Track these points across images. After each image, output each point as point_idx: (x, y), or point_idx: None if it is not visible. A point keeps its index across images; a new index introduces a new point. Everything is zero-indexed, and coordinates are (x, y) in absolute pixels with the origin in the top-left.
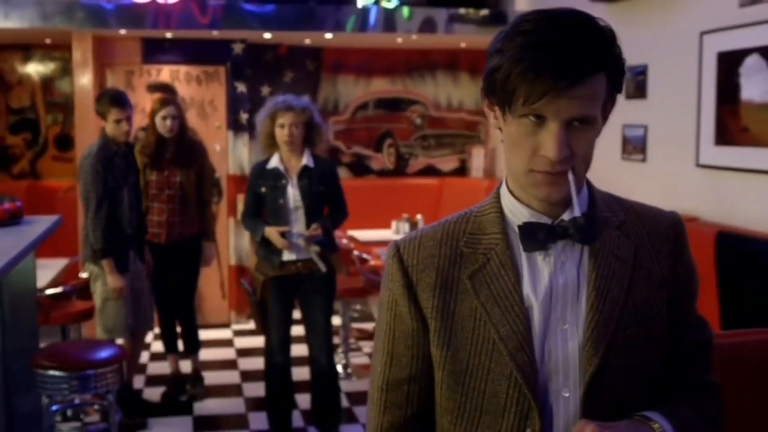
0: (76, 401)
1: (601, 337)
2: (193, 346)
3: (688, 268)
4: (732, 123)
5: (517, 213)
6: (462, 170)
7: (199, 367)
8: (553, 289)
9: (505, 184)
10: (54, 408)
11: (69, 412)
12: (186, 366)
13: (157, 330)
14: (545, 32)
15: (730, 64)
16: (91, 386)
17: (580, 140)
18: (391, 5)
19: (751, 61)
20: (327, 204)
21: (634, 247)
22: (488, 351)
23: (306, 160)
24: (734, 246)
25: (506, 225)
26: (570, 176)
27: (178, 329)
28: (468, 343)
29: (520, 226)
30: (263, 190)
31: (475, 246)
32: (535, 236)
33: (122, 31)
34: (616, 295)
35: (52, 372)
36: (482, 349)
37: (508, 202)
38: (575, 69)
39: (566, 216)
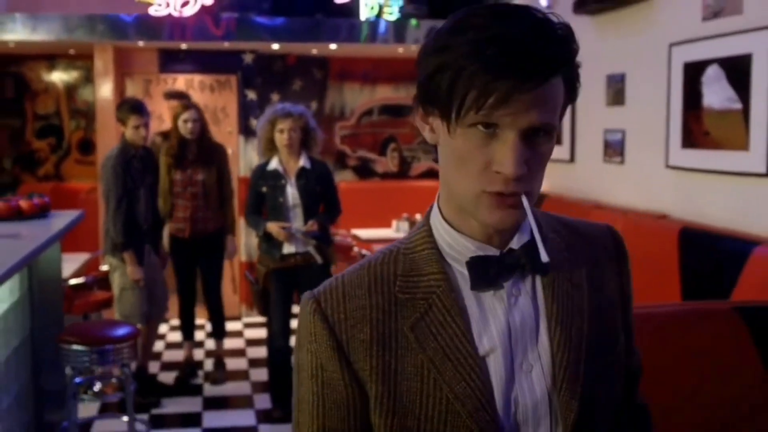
0: (96, 374)
1: (575, 376)
2: (220, 332)
3: (630, 284)
4: (696, 127)
5: (457, 246)
6: None
7: (223, 353)
8: (510, 329)
9: (437, 213)
10: (77, 380)
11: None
12: (198, 353)
13: (174, 322)
14: (503, 25)
15: (694, 73)
16: (110, 359)
17: (537, 155)
18: (393, 17)
19: (711, 71)
20: (322, 202)
21: (586, 270)
22: (442, 414)
23: (303, 162)
24: (696, 241)
25: (444, 262)
26: (524, 200)
27: (200, 320)
28: (417, 407)
29: (468, 263)
30: (264, 189)
31: (412, 290)
32: (486, 272)
33: (140, 43)
34: (579, 327)
35: (75, 346)
36: (435, 412)
37: (445, 235)
38: (541, 68)
39: (515, 244)
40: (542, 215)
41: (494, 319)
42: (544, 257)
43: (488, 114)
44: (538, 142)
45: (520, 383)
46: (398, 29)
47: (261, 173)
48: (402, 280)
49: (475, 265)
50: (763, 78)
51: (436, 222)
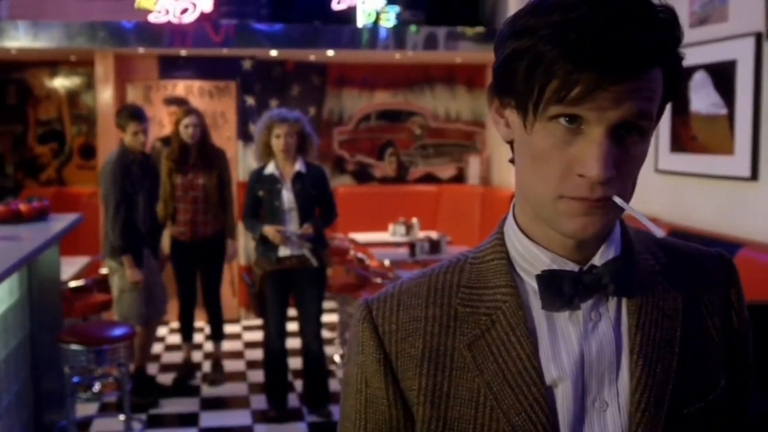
0: (94, 374)
1: (655, 420)
2: (218, 334)
3: (746, 322)
4: (684, 132)
5: (531, 258)
6: (459, 178)
7: (221, 355)
8: (584, 358)
9: (512, 220)
10: (75, 379)
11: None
12: (197, 355)
13: (174, 324)
14: (593, 6)
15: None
16: (107, 359)
17: (628, 156)
18: (390, 24)
19: (698, 77)
20: (318, 206)
21: (682, 299)
22: None
23: (299, 166)
24: None
25: (515, 275)
26: (618, 200)
27: (199, 323)
28: None
29: (539, 276)
30: (261, 193)
31: (474, 304)
32: (560, 289)
33: (141, 50)
34: (668, 364)
35: (73, 346)
36: None
37: (517, 243)
38: (632, 58)
39: (597, 260)
40: (636, 233)
41: (566, 344)
42: (658, 232)
43: (571, 106)
44: (630, 141)
45: (591, 423)
46: (398, 35)
47: (258, 177)
48: (465, 291)
49: (547, 280)
50: (746, 84)
51: (510, 230)
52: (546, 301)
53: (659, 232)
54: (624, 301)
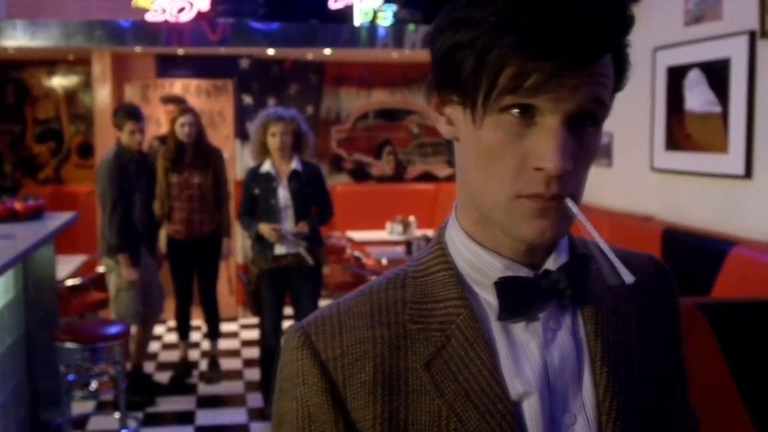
0: (90, 372)
1: (627, 428)
2: (215, 333)
3: (682, 326)
4: (678, 130)
5: (483, 266)
6: None
7: (217, 353)
8: (548, 369)
9: (455, 226)
10: (70, 377)
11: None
12: (194, 354)
13: (171, 323)
14: None
15: (676, 77)
16: (102, 357)
17: (583, 149)
18: (387, 23)
19: (693, 75)
20: (314, 204)
21: (633, 304)
22: None
23: (295, 164)
24: (678, 242)
25: (464, 286)
26: (571, 204)
27: (196, 322)
28: None
29: (498, 284)
30: (257, 191)
31: (425, 320)
32: (519, 297)
33: (138, 49)
34: (631, 369)
35: (68, 345)
36: None
37: (465, 251)
38: (596, 40)
39: (551, 265)
40: (579, 239)
41: (528, 356)
42: (628, 277)
43: (526, 96)
44: (584, 132)
45: None
46: (397, 34)
47: (254, 176)
48: (412, 307)
49: (505, 287)
50: (740, 82)
51: (454, 237)
52: (504, 310)
53: (601, 241)
54: (578, 309)
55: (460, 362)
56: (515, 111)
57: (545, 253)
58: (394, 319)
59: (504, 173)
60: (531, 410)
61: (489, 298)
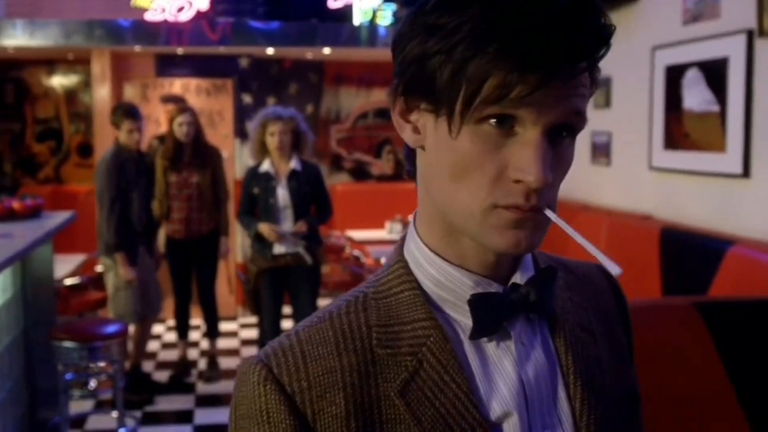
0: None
1: None
2: (214, 332)
3: (632, 336)
4: (676, 129)
5: (451, 283)
6: None
7: (216, 352)
8: (525, 387)
9: (416, 242)
10: (68, 376)
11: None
12: (193, 353)
13: (170, 322)
14: None
15: (674, 76)
16: (100, 356)
17: (561, 160)
18: (386, 22)
19: (691, 74)
20: (313, 203)
21: (592, 314)
22: None
23: (294, 164)
24: (676, 241)
25: (431, 305)
26: (551, 214)
27: (195, 321)
28: None
29: (472, 302)
30: (256, 191)
31: (394, 344)
32: (491, 313)
33: (137, 48)
34: (601, 381)
35: (66, 343)
36: None
37: (431, 269)
38: (583, 51)
39: (519, 279)
40: (538, 252)
41: (503, 375)
42: (615, 269)
43: (509, 107)
44: (561, 143)
45: None
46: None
47: (253, 175)
48: (379, 331)
49: (479, 305)
50: (738, 81)
51: (416, 254)
52: (478, 328)
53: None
54: (545, 323)
55: (434, 387)
56: (493, 121)
57: (512, 266)
58: (360, 345)
59: (480, 183)
60: (511, 429)
61: (456, 317)
